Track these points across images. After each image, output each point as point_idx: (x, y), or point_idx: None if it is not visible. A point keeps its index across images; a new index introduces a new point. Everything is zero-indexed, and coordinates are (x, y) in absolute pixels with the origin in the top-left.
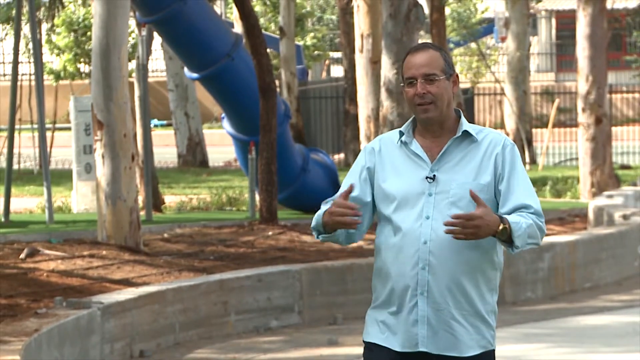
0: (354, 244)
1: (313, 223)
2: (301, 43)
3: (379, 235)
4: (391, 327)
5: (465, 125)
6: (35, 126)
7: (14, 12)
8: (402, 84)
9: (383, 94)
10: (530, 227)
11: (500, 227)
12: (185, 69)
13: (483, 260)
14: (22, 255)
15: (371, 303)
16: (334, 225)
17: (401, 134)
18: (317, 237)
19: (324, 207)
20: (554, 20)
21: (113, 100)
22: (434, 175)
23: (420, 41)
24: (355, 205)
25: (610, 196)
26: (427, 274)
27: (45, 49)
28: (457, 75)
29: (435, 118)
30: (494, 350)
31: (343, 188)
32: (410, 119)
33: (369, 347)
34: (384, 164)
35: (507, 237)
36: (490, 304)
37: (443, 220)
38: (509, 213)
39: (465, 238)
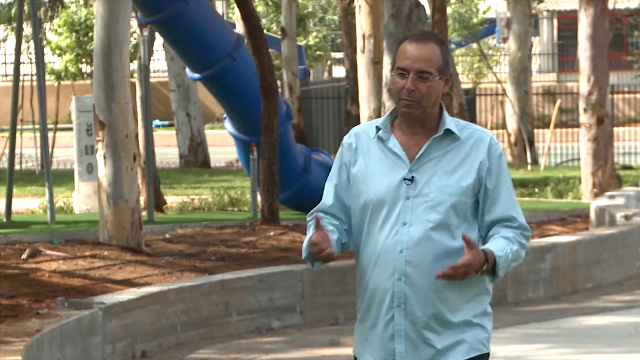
0: None
1: (304, 255)
2: (303, 43)
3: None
4: (370, 341)
5: (447, 122)
6: (37, 126)
7: (13, 11)
8: (391, 70)
9: (385, 95)
10: (515, 253)
11: (484, 268)
12: (187, 70)
13: None
14: (24, 256)
15: (357, 311)
16: (316, 260)
17: (378, 129)
18: (312, 267)
19: (308, 236)
20: (555, 21)
21: (115, 101)
22: (413, 177)
23: None
24: (322, 245)
25: (612, 197)
26: (403, 285)
27: (46, 49)
28: (450, 75)
29: (417, 116)
30: (488, 353)
31: (327, 193)
32: (389, 111)
33: None
34: (358, 164)
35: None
36: (480, 307)
37: (422, 225)
38: (493, 223)
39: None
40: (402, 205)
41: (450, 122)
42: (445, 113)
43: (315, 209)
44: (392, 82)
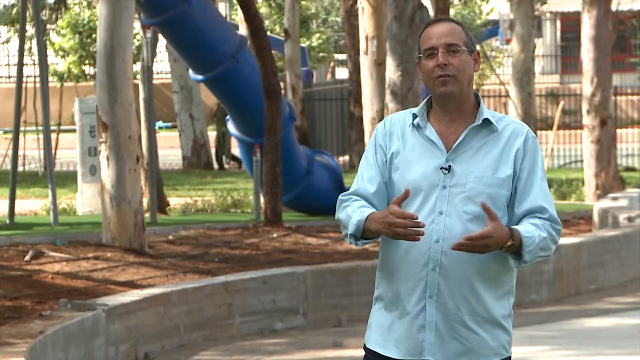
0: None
1: (351, 229)
2: (306, 45)
3: None
4: (394, 332)
5: (485, 112)
6: (40, 128)
7: (15, 11)
8: (418, 57)
9: (388, 96)
10: (543, 241)
11: (509, 243)
12: (190, 71)
13: (498, 261)
14: (27, 257)
15: (374, 301)
16: (393, 236)
17: (414, 116)
18: (356, 244)
19: (360, 211)
20: (558, 22)
21: (118, 102)
22: (450, 166)
23: None
24: (415, 215)
25: (615, 198)
26: (437, 275)
27: (50, 50)
28: (478, 53)
29: (456, 94)
30: (509, 357)
31: (361, 178)
32: (424, 100)
33: (369, 355)
34: (394, 149)
35: (515, 250)
36: (507, 308)
37: (458, 217)
38: (524, 215)
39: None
40: (438, 194)
41: (488, 112)
42: (483, 103)
43: (349, 191)
44: (423, 68)
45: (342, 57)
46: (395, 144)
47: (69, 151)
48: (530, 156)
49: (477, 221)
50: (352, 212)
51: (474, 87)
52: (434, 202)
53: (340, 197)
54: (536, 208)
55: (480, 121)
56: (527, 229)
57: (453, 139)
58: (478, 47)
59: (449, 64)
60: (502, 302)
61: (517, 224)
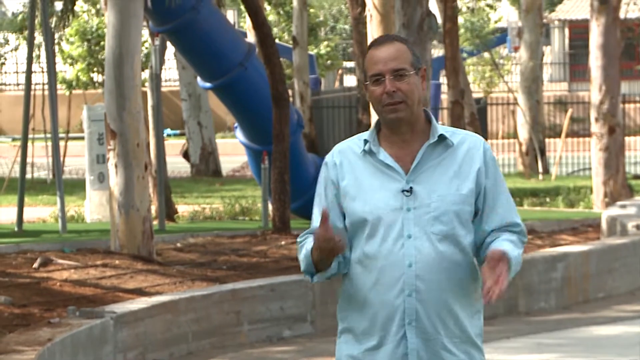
0: None
1: (303, 266)
2: (314, 52)
3: (353, 257)
4: None
5: (439, 128)
6: (49, 135)
7: (21, 17)
8: (365, 82)
9: None
10: (518, 258)
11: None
12: (199, 79)
13: (471, 279)
14: (35, 265)
15: (339, 334)
16: (327, 259)
17: (365, 142)
18: (312, 280)
19: (307, 246)
20: (567, 30)
21: (126, 110)
22: (411, 188)
23: (433, 51)
24: (336, 234)
25: (623, 206)
26: (414, 301)
27: (58, 58)
28: (425, 70)
29: (406, 119)
30: None
31: (315, 219)
32: (374, 124)
33: None
34: (347, 180)
35: None
36: (479, 326)
37: (427, 238)
38: (497, 230)
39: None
40: (403, 217)
41: (441, 128)
42: (434, 119)
43: (306, 231)
44: (370, 94)
45: (351, 64)
46: (348, 175)
47: (77, 159)
48: (492, 169)
49: (446, 241)
50: (305, 250)
51: (482, 94)
52: (400, 226)
53: (298, 239)
54: (508, 224)
55: (436, 138)
56: (509, 247)
57: (409, 160)
58: (486, 55)
59: (397, 89)
60: (474, 320)
61: (482, 240)
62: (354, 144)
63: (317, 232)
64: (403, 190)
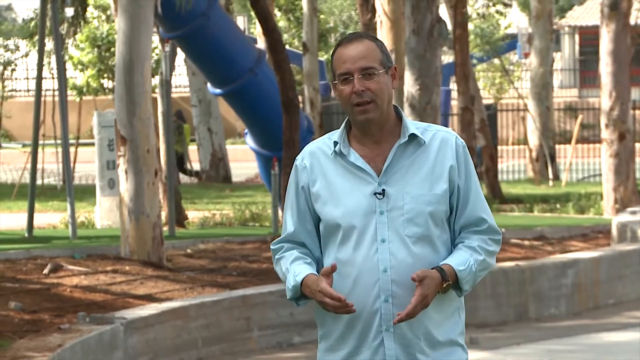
0: None
1: (290, 294)
2: (324, 59)
3: (326, 263)
4: None
5: (410, 126)
6: (59, 142)
7: (33, 24)
8: (334, 82)
9: (406, 110)
10: (481, 263)
11: (444, 285)
12: (209, 85)
13: None
14: (46, 271)
15: (319, 340)
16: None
17: (335, 143)
18: (297, 305)
19: (294, 271)
20: (577, 36)
21: (136, 116)
22: (383, 190)
23: (443, 58)
24: (343, 298)
25: (633, 212)
26: (391, 306)
27: (68, 64)
28: (395, 68)
29: (376, 119)
30: None
31: (289, 223)
32: (343, 123)
33: None
34: (318, 184)
35: (454, 286)
36: (460, 325)
37: (401, 242)
38: (463, 228)
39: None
40: (376, 221)
41: (412, 125)
42: (405, 117)
43: (279, 239)
44: (339, 93)
45: None
46: (319, 178)
47: (87, 165)
48: (464, 166)
49: (421, 242)
50: (287, 270)
51: (492, 101)
52: (373, 230)
53: (271, 246)
54: (474, 220)
55: (407, 137)
56: (461, 259)
57: (381, 161)
58: (496, 61)
59: (366, 89)
60: (454, 318)
61: (455, 239)
62: (324, 144)
63: (322, 285)
64: (375, 193)
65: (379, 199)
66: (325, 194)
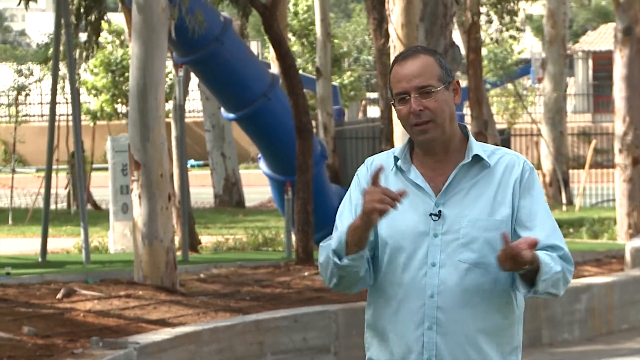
0: None
1: (334, 245)
2: (338, 83)
3: (373, 282)
4: None
5: (475, 147)
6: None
7: (50, 51)
8: (391, 101)
9: None
10: (557, 274)
11: (527, 267)
12: (222, 110)
13: (502, 314)
14: (59, 295)
15: None
16: (369, 219)
17: (396, 159)
18: (340, 263)
19: (341, 229)
20: (590, 61)
21: (150, 141)
22: (440, 211)
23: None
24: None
25: None
26: (434, 334)
27: (82, 89)
28: (458, 82)
29: (438, 139)
30: None
31: (339, 224)
32: (407, 140)
33: None
34: None
35: (531, 276)
36: None
37: (454, 267)
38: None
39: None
40: (429, 243)
41: (478, 147)
42: (471, 137)
43: (330, 237)
44: (398, 113)
45: (374, 95)
46: None
47: (101, 189)
48: (528, 189)
49: (475, 270)
50: (330, 243)
51: (506, 125)
52: (424, 252)
53: (320, 244)
54: (549, 245)
55: (470, 158)
56: (545, 258)
57: (441, 181)
58: (510, 86)
59: (424, 108)
60: (510, 358)
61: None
62: (387, 158)
63: (368, 186)
64: (431, 214)
65: (434, 220)
66: None
